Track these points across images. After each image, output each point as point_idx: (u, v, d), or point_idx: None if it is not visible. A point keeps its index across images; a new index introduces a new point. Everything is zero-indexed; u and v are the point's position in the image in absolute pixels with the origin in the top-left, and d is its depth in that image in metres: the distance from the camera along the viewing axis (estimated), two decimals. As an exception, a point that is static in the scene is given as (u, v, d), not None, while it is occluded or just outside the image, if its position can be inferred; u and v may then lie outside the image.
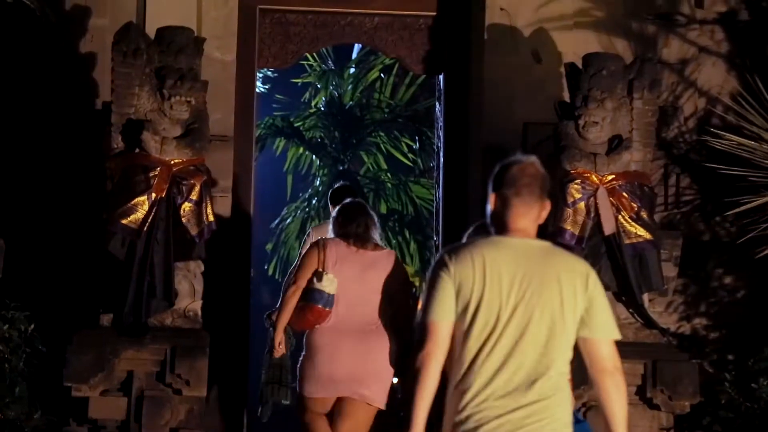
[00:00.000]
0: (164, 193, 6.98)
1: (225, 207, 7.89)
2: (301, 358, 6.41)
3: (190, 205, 7.05)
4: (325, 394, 6.32)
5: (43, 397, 6.92)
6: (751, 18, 8.53)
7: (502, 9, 8.36)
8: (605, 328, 3.82)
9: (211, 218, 7.09)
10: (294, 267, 6.74)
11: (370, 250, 6.46)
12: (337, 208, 6.66)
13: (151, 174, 6.98)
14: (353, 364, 6.28)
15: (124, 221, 6.92)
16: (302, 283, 6.36)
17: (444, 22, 8.75)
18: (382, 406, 6.31)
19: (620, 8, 8.48)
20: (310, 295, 6.33)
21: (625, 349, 7.00)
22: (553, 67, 8.23)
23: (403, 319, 6.32)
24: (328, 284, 6.32)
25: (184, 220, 7.03)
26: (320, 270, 6.34)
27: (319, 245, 6.43)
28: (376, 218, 6.61)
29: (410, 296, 6.69)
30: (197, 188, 7.06)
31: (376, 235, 6.55)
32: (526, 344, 3.75)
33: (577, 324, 3.80)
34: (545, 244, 3.90)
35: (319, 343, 6.32)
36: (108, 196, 7.06)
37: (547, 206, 3.96)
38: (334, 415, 6.34)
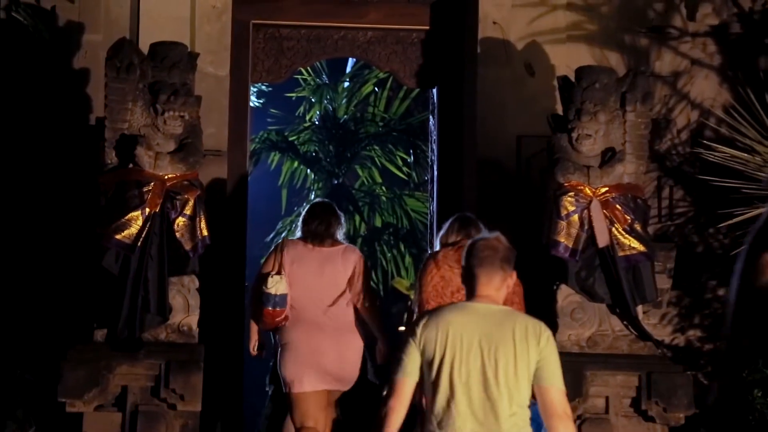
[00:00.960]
0: (158, 208, 6.98)
1: (219, 221, 7.89)
2: (278, 358, 6.74)
3: (183, 219, 7.05)
4: (322, 387, 6.64)
5: (37, 413, 6.90)
6: (743, 31, 8.56)
7: (495, 23, 8.38)
8: (554, 379, 4.46)
9: (205, 233, 7.09)
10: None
11: (327, 246, 6.83)
12: (306, 207, 6.89)
13: (145, 189, 6.98)
14: (331, 358, 6.68)
15: (117, 236, 6.92)
16: (257, 286, 6.78)
17: (437, 36, 8.77)
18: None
19: (613, 21, 8.51)
20: (262, 298, 6.73)
21: (619, 361, 7.10)
22: (546, 80, 8.25)
23: (367, 305, 6.81)
24: (272, 286, 6.70)
25: (177, 235, 7.03)
26: (272, 273, 6.72)
27: (277, 248, 6.87)
28: (341, 217, 6.92)
29: (371, 283, 7.03)
30: (191, 203, 7.06)
31: (339, 233, 6.87)
32: (488, 392, 4.42)
33: (532, 376, 4.45)
34: (506, 309, 4.58)
35: (289, 339, 6.72)
36: (101, 211, 7.05)
37: (512, 275, 4.58)
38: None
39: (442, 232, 6.83)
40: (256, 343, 7.00)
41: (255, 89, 15.15)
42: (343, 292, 6.77)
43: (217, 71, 8.22)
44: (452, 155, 8.64)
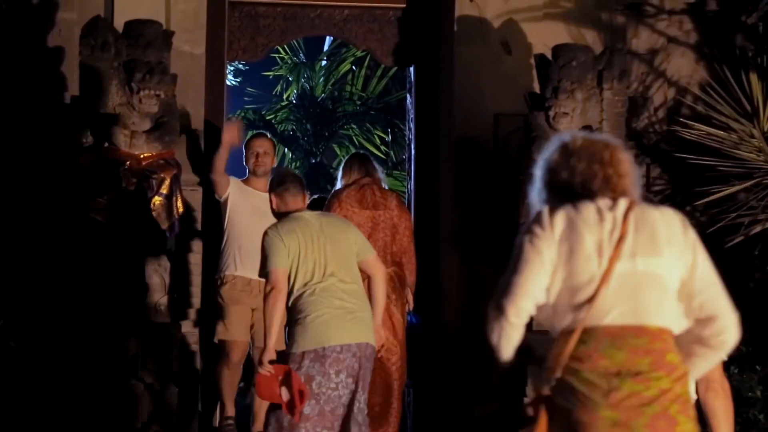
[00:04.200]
0: (134, 187, 6.95)
1: (196, 201, 7.86)
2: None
3: (160, 199, 7.03)
4: None
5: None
6: (719, 8, 8.56)
7: (471, 1, 8.36)
8: (366, 250, 5.85)
9: (182, 212, 7.08)
10: None
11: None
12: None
13: (121, 168, 6.95)
14: None
15: (93, 215, 6.88)
16: None
17: (413, 14, 8.74)
18: None
19: (589, -1, 8.50)
20: None
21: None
22: (523, 59, 8.24)
23: None
24: None
25: (154, 214, 7.00)
26: None
27: None
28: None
29: None
30: (167, 182, 7.04)
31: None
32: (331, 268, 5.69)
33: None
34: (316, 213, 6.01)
35: None
36: (77, 190, 7.02)
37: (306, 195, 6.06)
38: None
39: (341, 172, 7.44)
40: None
41: (232, 68, 15.11)
42: None
43: (192, 49, 8.17)
44: (430, 134, 8.63)
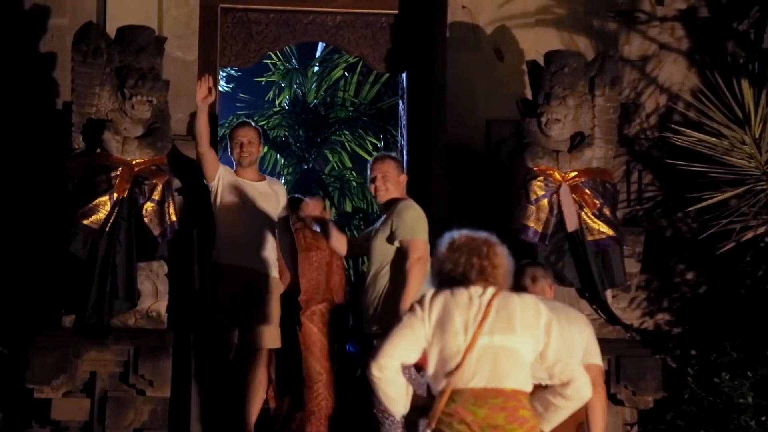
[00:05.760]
0: (126, 193, 6.94)
1: (189, 206, 7.84)
2: None
3: (152, 205, 7.02)
4: None
5: (4, 399, 6.87)
6: (711, 15, 8.59)
7: (464, 7, 8.37)
8: None
9: (174, 218, 7.06)
10: None
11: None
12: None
13: (113, 174, 6.95)
14: None
15: (85, 222, 6.87)
16: None
17: (406, 21, 8.75)
18: None
19: (581, 6, 8.51)
20: None
21: (587, 345, 7.10)
22: (515, 65, 8.25)
23: None
24: None
25: (146, 220, 6.99)
26: None
27: None
28: None
29: None
30: (159, 188, 7.03)
31: None
32: None
33: None
34: None
35: None
36: (69, 196, 7.01)
37: None
38: None
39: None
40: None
41: (224, 74, 15.10)
42: None
43: (185, 56, 8.17)
44: (422, 140, 8.64)
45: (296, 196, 7.95)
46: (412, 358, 4.17)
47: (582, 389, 4.18)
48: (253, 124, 7.49)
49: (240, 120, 8.13)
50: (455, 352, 4.07)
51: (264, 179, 7.27)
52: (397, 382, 4.18)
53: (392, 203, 6.57)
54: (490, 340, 4.08)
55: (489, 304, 4.11)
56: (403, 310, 5.65)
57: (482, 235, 4.26)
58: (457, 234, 4.27)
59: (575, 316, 5.45)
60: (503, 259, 4.21)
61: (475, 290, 4.15)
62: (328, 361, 7.31)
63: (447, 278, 4.20)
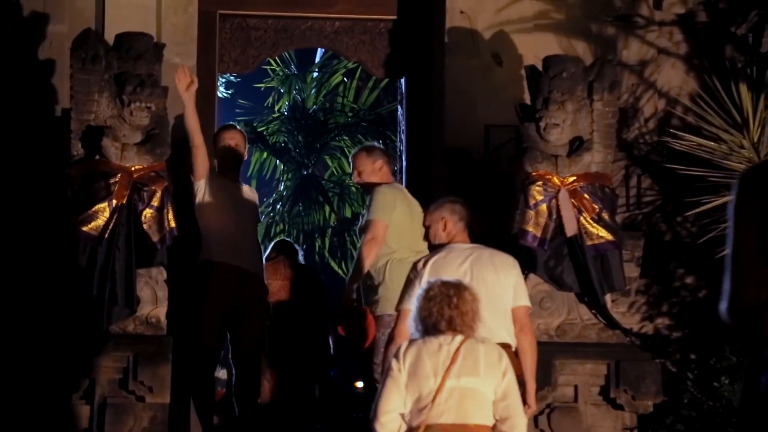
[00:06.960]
0: (125, 200, 6.94)
1: (188, 213, 7.85)
2: None
3: (151, 211, 7.02)
4: None
5: (2, 405, 6.86)
6: (709, 19, 8.59)
7: (462, 12, 8.38)
8: None
9: (173, 224, 7.06)
10: None
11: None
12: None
13: (112, 180, 6.95)
14: None
15: (84, 228, 6.88)
16: None
17: (404, 26, 8.76)
18: None
19: (580, 10, 8.51)
20: None
21: (588, 349, 7.12)
22: (513, 70, 8.26)
23: None
24: None
25: (145, 226, 6.99)
26: None
27: None
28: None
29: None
30: (158, 194, 7.03)
31: None
32: None
33: None
34: None
35: None
36: (68, 203, 7.01)
37: None
38: None
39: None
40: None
41: (223, 80, 15.10)
42: None
43: (183, 62, 8.14)
44: (421, 145, 8.64)
45: (285, 239, 8.24)
46: (404, 407, 4.76)
47: (517, 426, 4.77)
48: (238, 127, 7.63)
49: (226, 124, 8.16)
50: (427, 393, 4.69)
51: (242, 184, 7.48)
52: (398, 428, 4.77)
53: (369, 189, 6.98)
54: (457, 382, 4.69)
55: (456, 351, 4.72)
56: (347, 290, 6.67)
57: (453, 282, 4.91)
58: (434, 280, 4.95)
59: (501, 261, 5.87)
60: (470, 304, 4.80)
61: (444, 338, 4.76)
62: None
63: (424, 326, 4.82)
